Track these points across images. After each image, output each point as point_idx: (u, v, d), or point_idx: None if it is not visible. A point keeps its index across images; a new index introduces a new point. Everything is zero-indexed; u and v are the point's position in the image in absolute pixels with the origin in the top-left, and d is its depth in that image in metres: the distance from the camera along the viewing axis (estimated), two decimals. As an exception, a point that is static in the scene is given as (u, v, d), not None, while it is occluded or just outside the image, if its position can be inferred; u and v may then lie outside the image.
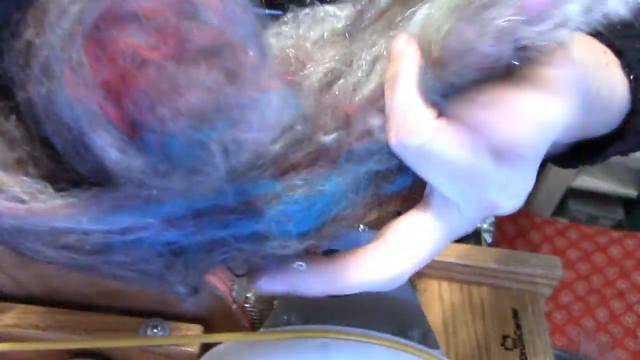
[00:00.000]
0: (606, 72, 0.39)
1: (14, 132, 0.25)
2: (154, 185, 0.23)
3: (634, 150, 0.44)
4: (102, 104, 0.22)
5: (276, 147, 0.26)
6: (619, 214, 2.15)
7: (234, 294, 0.50)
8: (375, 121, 0.28)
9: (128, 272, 0.26)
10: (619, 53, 0.40)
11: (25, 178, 0.24)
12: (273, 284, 0.30)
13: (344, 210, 0.29)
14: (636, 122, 0.40)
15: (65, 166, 0.25)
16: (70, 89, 0.21)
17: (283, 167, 0.27)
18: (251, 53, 0.23)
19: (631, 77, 0.40)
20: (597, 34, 0.40)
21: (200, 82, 0.22)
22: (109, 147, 0.22)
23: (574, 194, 2.14)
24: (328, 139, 0.28)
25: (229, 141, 0.23)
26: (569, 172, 2.02)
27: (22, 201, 0.24)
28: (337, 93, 0.29)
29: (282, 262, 0.29)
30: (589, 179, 2.08)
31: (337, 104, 0.29)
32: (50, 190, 0.24)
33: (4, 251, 0.46)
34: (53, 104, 0.22)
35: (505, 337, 0.59)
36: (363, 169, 0.29)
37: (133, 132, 0.22)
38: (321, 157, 0.28)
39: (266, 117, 0.24)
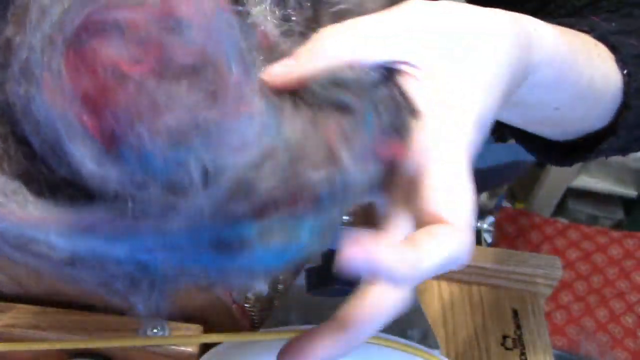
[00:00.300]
0: (598, 62, 0.40)
1: None
2: (130, 195, 0.23)
3: (628, 148, 0.44)
4: (79, 114, 0.21)
5: (256, 176, 0.24)
6: (619, 214, 2.15)
7: (234, 294, 0.50)
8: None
9: (93, 286, 0.26)
10: (613, 48, 0.41)
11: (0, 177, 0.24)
12: None
13: (313, 250, 0.28)
14: (628, 116, 0.41)
15: (41, 166, 0.24)
16: (48, 95, 0.21)
17: (261, 201, 0.25)
18: (234, 72, 0.23)
19: (625, 71, 0.40)
20: (589, 31, 0.41)
21: (180, 101, 0.21)
22: (85, 158, 0.22)
23: (574, 194, 2.14)
24: (317, 176, 0.25)
25: (208, 162, 0.22)
26: (569, 172, 2.02)
27: None
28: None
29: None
30: (589, 179, 2.08)
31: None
32: (25, 191, 0.24)
33: (4, 251, 0.46)
34: (31, 105, 0.22)
35: (505, 337, 0.59)
36: (341, 208, 0.27)
37: (110, 145, 0.22)
38: (304, 194, 0.25)
39: (246, 140, 0.23)
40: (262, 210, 0.24)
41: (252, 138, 0.23)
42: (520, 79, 0.33)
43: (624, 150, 0.45)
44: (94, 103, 0.21)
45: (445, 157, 0.28)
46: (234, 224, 0.24)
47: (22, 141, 0.24)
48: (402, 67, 0.29)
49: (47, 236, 0.23)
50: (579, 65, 0.37)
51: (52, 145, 0.23)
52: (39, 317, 0.50)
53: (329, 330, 0.29)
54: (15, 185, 0.24)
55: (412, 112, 0.28)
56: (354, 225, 0.46)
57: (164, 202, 0.23)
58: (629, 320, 1.81)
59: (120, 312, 0.51)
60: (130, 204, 0.23)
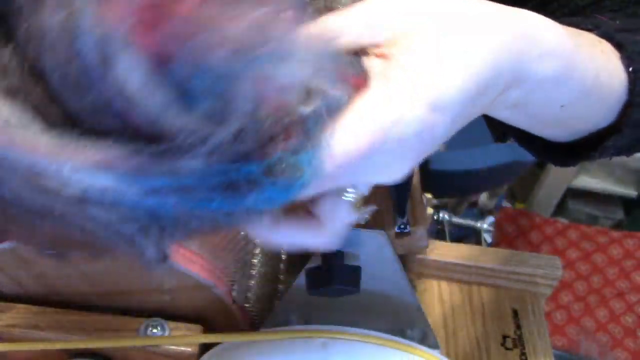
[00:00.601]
0: (603, 59, 0.39)
1: (7, 61, 0.24)
2: (167, 125, 0.22)
3: (631, 147, 0.44)
4: (133, 29, 0.21)
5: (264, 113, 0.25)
6: (619, 214, 2.15)
7: (234, 294, 0.50)
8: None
9: (100, 229, 0.25)
10: (618, 46, 0.40)
11: (14, 106, 0.24)
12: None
13: (315, 179, 0.28)
14: (633, 114, 0.40)
15: (57, 105, 0.24)
16: (101, 11, 0.21)
17: (265, 139, 0.25)
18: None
19: (630, 69, 0.40)
20: (593, 28, 0.41)
21: (249, 14, 0.21)
22: (132, 73, 0.21)
23: (574, 194, 2.14)
24: (306, 110, 0.26)
25: (262, 79, 0.22)
26: (569, 172, 2.02)
27: (8, 127, 0.23)
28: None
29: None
30: (589, 179, 2.08)
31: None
32: (41, 122, 0.24)
33: (4, 251, 0.46)
34: (67, 30, 0.21)
35: (505, 337, 0.59)
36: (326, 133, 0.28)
37: (160, 62, 0.21)
38: (297, 128, 0.26)
39: (298, 70, 0.23)
40: (265, 148, 0.25)
41: (303, 69, 0.24)
42: (515, 74, 0.33)
43: (629, 150, 0.45)
44: (152, 16, 0.21)
45: (353, 122, 0.28)
46: (244, 164, 0.25)
47: (42, 76, 0.24)
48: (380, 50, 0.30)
49: (60, 169, 0.23)
50: (583, 61, 0.37)
51: (80, 75, 0.22)
52: (39, 317, 0.50)
53: None
54: (31, 116, 0.24)
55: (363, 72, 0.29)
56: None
57: (199, 132, 0.23)
58: (629, 320, 1.81)
59: (120, 312, 0.51)
60: (156, 137, 0.23)
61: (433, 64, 0.29)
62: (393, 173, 0.32)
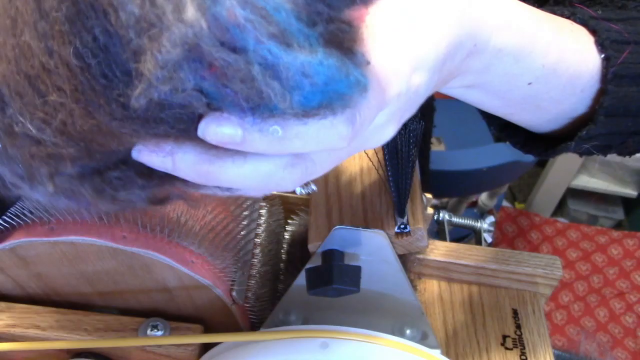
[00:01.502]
0: (571, 40, 0.40)
1: None
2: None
3: (611, 142, 0.44)
4: None
5: None
6: (619, 214, 2.15)
7: (234, 294, 0.50)
8: None
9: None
10: (593, 32, 0.41)
11: None
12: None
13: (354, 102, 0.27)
14: (605, 102, 0.40)
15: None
16: None
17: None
18: None
19: (602, 55, 0.40)
20: (569, 15, 0.41)
21: None
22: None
23: (574, 194, 2.14)
24: None
25: None
26: (569, 172, 2.02)
27: None
28: None
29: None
30: (589, 179, 2.09)
31: None
32: None
33: (4, 251, 0.46)
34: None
35: (505, 337, 0.59)
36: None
37: None
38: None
39: None
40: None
41: None
42: (474, 41, 0.34)
43: (611, 147, 0.45)
44: None
45: None
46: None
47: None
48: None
49: None
50: (546, 37, 0.38)
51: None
52: (39, 317, 0.50)
53: None
54: None
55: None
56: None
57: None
58: (629, 320, 1.81)
59: (120, 312, 0.52)
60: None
61: (409, 27, 0.31)
62: (382, 137, 0.32)
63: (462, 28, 0.33)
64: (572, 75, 0.40)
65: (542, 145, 0.46)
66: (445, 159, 1.29)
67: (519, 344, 0.58)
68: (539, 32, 0.38)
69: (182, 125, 0.25)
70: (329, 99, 0.25)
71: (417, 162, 0.49)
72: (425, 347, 0.46)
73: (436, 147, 1.49)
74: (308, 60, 0.23)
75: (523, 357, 0.57)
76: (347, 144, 0.27)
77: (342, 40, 0.25)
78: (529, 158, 1.31)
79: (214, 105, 0.24)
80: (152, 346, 0.48)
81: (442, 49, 0.32)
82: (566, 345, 1.73)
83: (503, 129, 0.49)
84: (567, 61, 0.39)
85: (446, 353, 0.57)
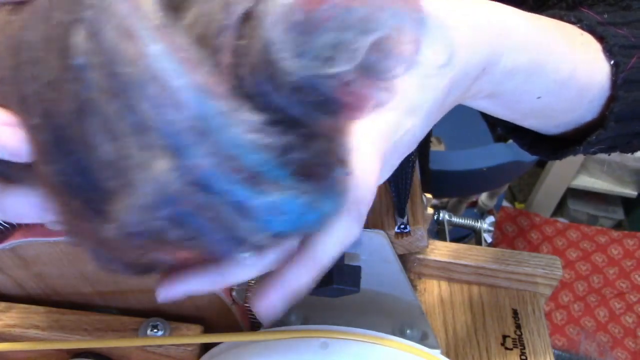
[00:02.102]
0: (582, 51, 0.40)
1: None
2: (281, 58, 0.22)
3: (619, 144, 0.44)
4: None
5: None
6: (619, 214, 2.15)
7: (234, 294, 0.50)
8: None
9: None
10: (600, 39, 0.41)
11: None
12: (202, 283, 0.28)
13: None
14: (615, 108, 0.40)
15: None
16: None
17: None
18: None
19: (612, 62, 0.40)
20: (576, 21, 0.41)
21: None
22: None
23: (574, 194, 2.14)
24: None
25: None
26: (569, 172, 2.02)
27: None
28: None
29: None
30: (589, 179, 2.09)
31: None
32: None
33: (4, 251, 0.46)
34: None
35: (505, 337, 0.59)
36: None
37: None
38: (335, 159, 0.26)
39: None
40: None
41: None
42: (483, 68, 0.33)
43: (616, 147, 0.45)
44: None
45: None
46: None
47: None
48: None
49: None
50: (558, 53, 0.38)
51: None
52: (39, 317, 0.50)
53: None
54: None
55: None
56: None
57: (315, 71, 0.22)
58: (629, 320, 1.81)
59: (120, 312, 0.52)
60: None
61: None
62: (380, 179, 0.32)
63: (468, 57, 0.32)
64: (582, 87, 0.40)
65: (549, 147, 0.46)
66: (445, 159, 1.29)
67: (519, 344, 0.58)
68: (551, 48, 0.37)
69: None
70: (305, 226, 0.25)
71: (417, 162, 0.49)
72: (425, 347, 0.46)
73: (436, 147, 1.49)
74: (278, 199, 0.24)
75: (523, 357, 0.57)
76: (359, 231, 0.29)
77: (318, 165, 0.25)
78: (529, 158, 1.31)
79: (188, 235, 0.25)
80: (152, 346, 0.48)
81: (441, 88, 0.31)
82: (566, 345, 1.73)
83: (510, 131, 0.48)
84: (577, 74, 0.39)
85: (446, 353, 0.57)
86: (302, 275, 0.28)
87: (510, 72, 0.35)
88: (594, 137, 0.42)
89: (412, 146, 0.32)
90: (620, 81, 0.40)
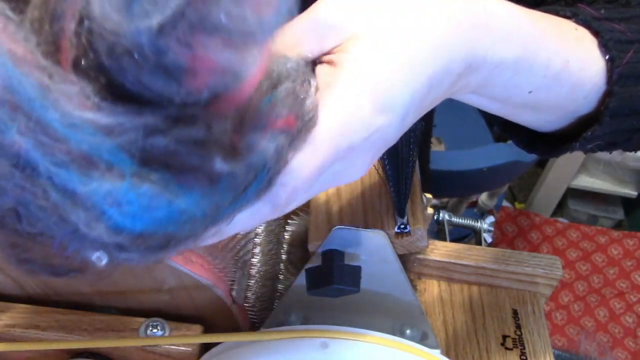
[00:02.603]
0: (575, 45, 0.39)
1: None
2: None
3: (616, 141, 0.44)
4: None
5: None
6: (619, 214, 2.15)
7: (234, 294, 0.50)
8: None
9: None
10: (596, 34, 0.40)
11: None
12: None
13: (186, 233, 0.24)
14: (611, 103, 0.40)
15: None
16: None
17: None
18: None
19: (607, 57, 0.40)
20: (571, 16, 0.41)
21: None
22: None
23: (574, 194, 2.14)
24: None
25: None
26: (569, 172, 2.02)
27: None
28: None
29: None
30: (589, 179, 2.09)
31: None
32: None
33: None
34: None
35: (505, 337, 0.59)
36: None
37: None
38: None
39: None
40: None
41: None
42: (468, 62, 0.33)
43: (616, 144, 0.44)
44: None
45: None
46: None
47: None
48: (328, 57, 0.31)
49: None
50: (549, 47, 0.37)
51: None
52: (39, 317, 0.50)
53: None
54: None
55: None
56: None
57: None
58: (629, 320, 1.81)
59: (120, 312, 0.52)
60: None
61: (378, 66, 0.29)
62: (350, 176, 0.32)
63: (451, 53, 0.31)
64: (575, 83, 0.39)
65: (546, 144, 0.46)
66: (445, 159, 1.29)
67: (519, 344, 0.58)
68: (542, 42, 0.37)
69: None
70: (161, 225, 0.22)
71: (417, 162, 0.49)
72: (425, 347, 0.46)
73: (436, 147, 1.49)
74: (112, 187, 0.21)
75: (523, 357, 0.57)
76: (277, 214, 0.29)
77: (181, 154, 0.22)
78: (529, 158, 1.31)
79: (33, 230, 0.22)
80: (152, 346, 0.48)
81: (419, 85, 0.30)
82: (566, 345, 1.73)
83: (506, 128, 0.48)
84: (570, 69, 0.38)
85: (446, 353, 0.57)
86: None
87: (497, 67, 0.35)
88: (589, 133, 0.41)
89: (381, 147, 0.31)
90: (615, 76, 0.39)
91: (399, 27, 0.30)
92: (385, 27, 0.30)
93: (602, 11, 0.42)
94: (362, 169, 0.32)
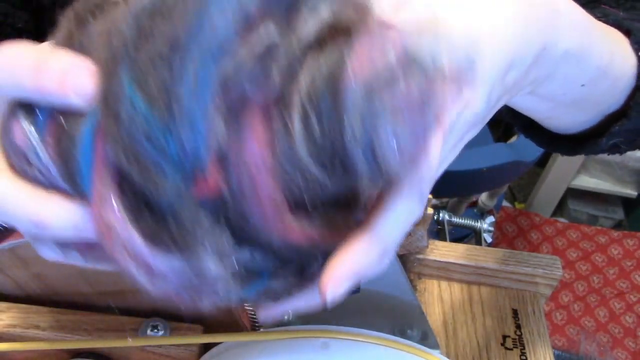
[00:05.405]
0: (615, 40, 0.40)
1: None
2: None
3: (634, 134, 0.44)
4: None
5: None
6: (619, 214, 2.15)
7: (234, 294, 0.50)
8: None
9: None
10: (627, 32, 0.41)
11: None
12: None
13: None
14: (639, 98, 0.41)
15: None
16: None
17: None
18: None
19: (639, 54, 0.41)
20: (602, 17, 0.41)
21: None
22: None
23: (574, 194, 2.14)
24: None
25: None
26: (569, 172, 2.02)
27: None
28: None
29: None
30: (589, 179, 2.09)
31: None
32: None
33: (4, 251, 0.46)
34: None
35: (505, 337, 0.59)
36: None
37: None
38: None
39: None
40: None
41: None
42: (544, 44, 0.32)
43: (631, 143, 0.45)
44: None
45: None
46: None
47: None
48: None
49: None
50: (600, 39, 0.38)
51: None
52: (39, 317, 0.49)
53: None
54: None
55: None
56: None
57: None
58: (629, 320, 1.81)
59: (120, 312, 0.51)
60: None
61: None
62: (446, 164, 0.31)
63: (530, 31, 0.30)
64: (617, 76, 0.40)
65: (568, 143, 0.46)
66: (445, 159, 1.29)
67: (519, 344, 0.58)
68: (593, 32, 0.37)
69: None
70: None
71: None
72: (425, 347, 0.46)
73: (436, 147, 1.49)
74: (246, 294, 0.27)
75: (523, 357, 0.57)
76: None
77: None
78: (529, 158, 1.31)
79: None
80: (152, 346, 0.48)
81: (502, 59, 0.29)
82: (566, 345, 1.73)
83: (527, 129, 0.48)
84: (614, 62, 0.39)
85: (446, 353, 0.57)
86: (367, 255, 0.27)
87: (566, 54, 0.34)
88: (617, 128, 0.42)
89: (472, 125, 0.30)
90: None
91: (481, 6, 0.29)
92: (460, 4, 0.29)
93: (622, 13, 0.43)
94: (451, 150, 0.30)
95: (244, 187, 0.23)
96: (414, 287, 0.61)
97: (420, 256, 0.61)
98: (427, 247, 0.60)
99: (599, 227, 2.06)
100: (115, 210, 0.24)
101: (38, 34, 0.32)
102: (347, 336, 0.45)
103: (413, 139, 0.24)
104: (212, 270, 0.25)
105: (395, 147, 0.23)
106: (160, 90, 0.22)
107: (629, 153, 0.53)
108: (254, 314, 0.53)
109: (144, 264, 0.25)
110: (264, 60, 0.22)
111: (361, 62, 0.23)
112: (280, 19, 0.23)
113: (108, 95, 0.23)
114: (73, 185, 0.25)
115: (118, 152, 0.23)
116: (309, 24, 0.23)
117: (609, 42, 0.39)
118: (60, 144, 0.24)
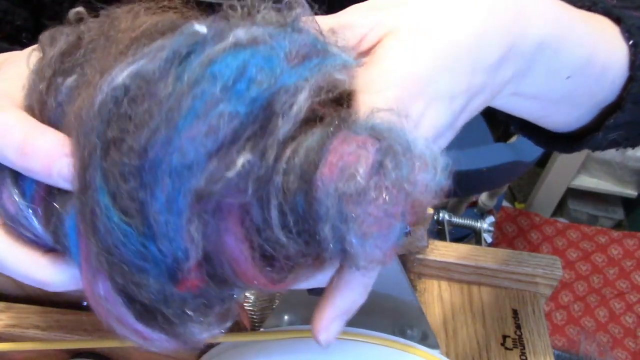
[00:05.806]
0: (599, 30, 0.39)
1: None
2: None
3: (634, 128, 0.44)
4: None
5: None
6: (619, 214, 2.15)
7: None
8: None
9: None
10: (617, 20, 0.41)
11: None
12: None
13: None
14: (633, 89, 0.40)
15: None
16: None
17: None
18: None
19: (630, 42, 0.40)
20: (591, 5, 0.41)
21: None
22: None
23: (574, 194, 2.14)
24: None
25: None
26: (569, 172, 2.02)
27: None
28: None
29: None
30: (589, 179, 2.09)
31: None
32: None
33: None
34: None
35: (505, 337, 0.59)
36: None
37: None
38: None
39: None
40: None
41: None
42: (513, 37, 0.32)
43: (632, 139, 0.44)
44: None
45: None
46: None
47: None
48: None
49: None
50: (577, 26, 0.37)
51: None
52: (39, 317, 0.50)
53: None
54: None
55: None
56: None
57: None
58: (629, 320, 1.81)
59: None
60: None
61: (433, 22, 0.30)
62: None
63: (498, 20, 0.31)
64: (604, 65, 0.39)
65: (565, 140, 0.46)
66: (445, 159, 1.29)
67: (519, 344, 0.58)
68: (569, 20, 0.36)
69: None
70: None
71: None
72: (425, 347, 0.46)
73: (436, 147, 1.49)
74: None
75: (523, 357, 0.57)
76: None
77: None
78: (529, 158, 1.31)
79: None
80: (152, 346, 0.48)
81: (471, 39, 0.30)
82: (566, 345, 1.73)
83: (524, 127, 0.48)
84: (599, 51, 0.38)
85: (446, 353, 0.57)
86: (353, 296, 0.31)
87: (540, 46, 0.34)
88: (612, 121, 0.41)
89: (439, 136, 0.32)
90: (639, 61, 0.40)
91: (437, 18, 0.31)
92: (426, 18, 0.31)
93: (615, 1, 0.42)
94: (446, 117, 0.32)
95: (226, 273, 0.25)
96: (414, 287, 0.61)
97: (420, 256, 0.61)
98: (427, 247, 0.60)
99: (599, 227, 2.06)
100: (107, 293, 0.25)
101: (37, 32, 0.32)
102: (346, 336, 0.45)
103: (378, 248, 0.27)
104: (202, 335, 0.27)
105: (362, 250, 0.26)
106: (134, 204, 0.23)
107: (629, 153, 0.52)
108: (254, 314, 0.53)
109: (138, 334, 0.26)
110: (237, 176, 0.23)
111: (332, 171, 0.24)
112: (254, 130, 0.24)
113: (83, 206, 0.24)
114: (65, 251, 0.25)
115: (99, 255, 0.24)
116: (285, 126, 0.24)
117: (590, 29, 0.38)
118: (50, 219, 0.25)
